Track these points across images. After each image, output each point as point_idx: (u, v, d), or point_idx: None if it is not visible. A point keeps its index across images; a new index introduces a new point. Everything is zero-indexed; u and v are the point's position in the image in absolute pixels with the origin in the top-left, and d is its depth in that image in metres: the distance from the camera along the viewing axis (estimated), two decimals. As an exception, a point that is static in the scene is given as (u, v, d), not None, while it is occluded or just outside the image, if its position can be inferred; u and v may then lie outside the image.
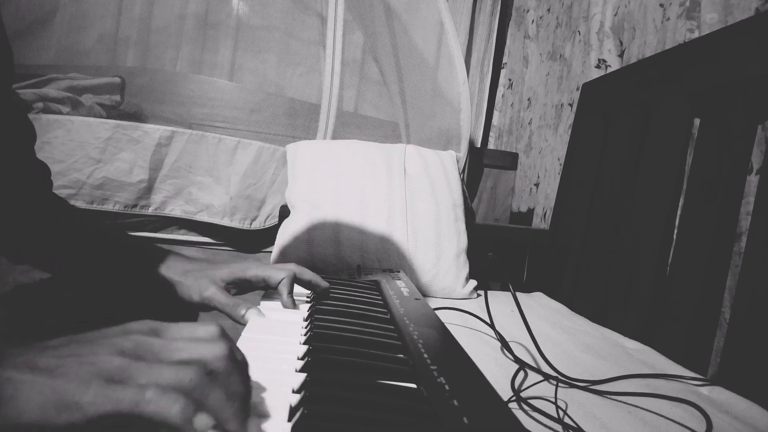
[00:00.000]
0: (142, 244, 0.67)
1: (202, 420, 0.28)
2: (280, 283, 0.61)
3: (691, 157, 0.88)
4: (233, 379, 0.32)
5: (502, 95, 1.89)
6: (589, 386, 0.63)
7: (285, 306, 0.60)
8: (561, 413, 0.55)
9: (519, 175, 1.65)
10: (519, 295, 0.87)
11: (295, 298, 0.61)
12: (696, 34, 0.94)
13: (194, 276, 0.61)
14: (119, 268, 0.64)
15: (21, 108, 0.62)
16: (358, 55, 1.63)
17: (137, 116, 1.37)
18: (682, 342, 0.79)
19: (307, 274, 0.63)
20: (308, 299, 0.64)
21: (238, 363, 0.33)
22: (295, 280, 0.62)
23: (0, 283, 0.69)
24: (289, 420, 0.32)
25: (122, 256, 0.64)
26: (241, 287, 0.63)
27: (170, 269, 0.62)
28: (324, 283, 0.64)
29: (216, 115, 1.44)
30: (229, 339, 0.34)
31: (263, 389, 0.36)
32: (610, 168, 1.09)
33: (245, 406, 0.32)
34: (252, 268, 0.62)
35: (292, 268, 0.62)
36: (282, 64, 1.54)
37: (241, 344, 0.44)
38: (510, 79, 1.87)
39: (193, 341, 0.33)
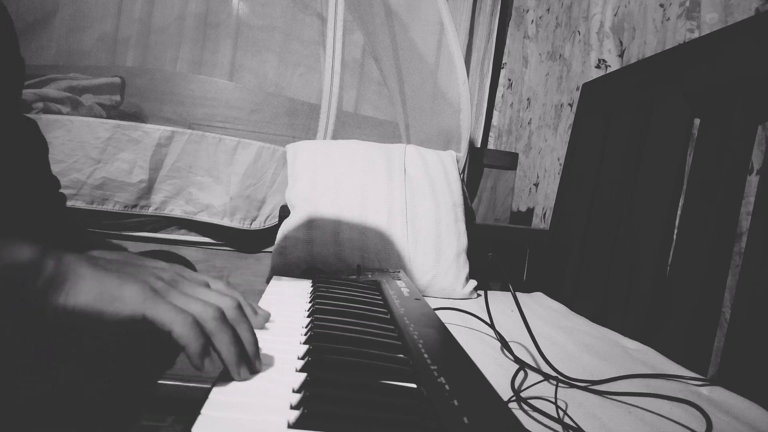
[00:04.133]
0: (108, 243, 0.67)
1: (209, 365, 0.34)
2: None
3: (691, 157, 0.88)
4: (241, 327, 0.38)
5: (502, 95, 1.89)
6: (589, 386, 0.63)
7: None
8: (561, 413, 0.55)
9: (519, 175, 1.65)
10: (519, 295, 0.87)
11: (294, 297, 0.61)
12: (696, 34, 0.94)
13: None
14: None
15: (32, 121, 0.62)
16: (358, 55, 1.63)
17: (137, 116, 1.37)
18: (682, 342, 0.79)
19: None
20: (309, 299, 0.64)
21: (243, 316, 0.39)
22: None
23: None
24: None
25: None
26: None
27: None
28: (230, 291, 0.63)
29: (216, 115, 1.44)
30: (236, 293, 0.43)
31: (263, 388, 0.36)
32: (610, 168, 1.09)
33: (253, 350, 0.38)
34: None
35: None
36: (282, 64, 1.53)
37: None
38: (510, 79, 1.87)
39: (213, 292, 0.39)
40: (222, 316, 0.36)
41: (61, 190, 0.69)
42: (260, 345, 0.42)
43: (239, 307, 0.39)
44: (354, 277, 0.81)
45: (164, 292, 0.35)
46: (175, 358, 0.43)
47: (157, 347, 0.39)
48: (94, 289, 0.32)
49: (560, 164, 1.38)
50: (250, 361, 0.38)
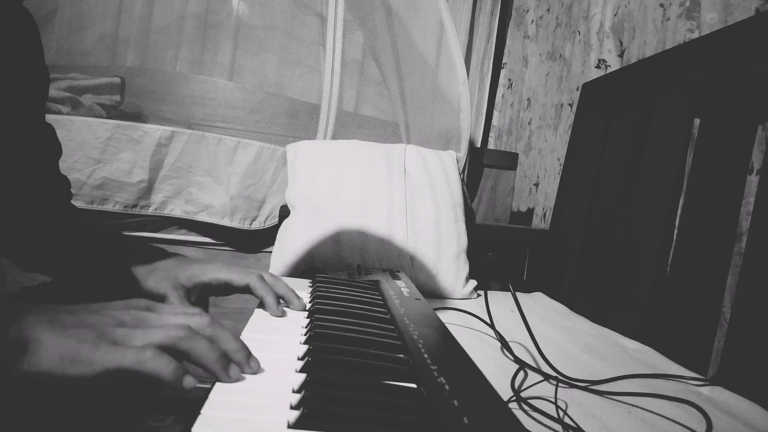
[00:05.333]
0: (125, 240, 0.67)
1: (190, 380, 0.34)
2: (250, 287, 0.57)
3: (691, 157, 0.88)
4: (221, 338, 0.39)
5: (502, 95, 1.89)
6: (589, 386, 0.63)
7: (274, 315, 0.55)
8: (561, 413, 0.55)
9: (519, 175, 1.65)
10: (519, 295, 0.87)
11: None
12: (696, 34, 0.94)
13: (155, 278, 0.59)
14: (101, 266, 0.63)
15: (50, 126, 0.64)
16: (358, 55, 1.63)
17: (137, 116, 1.37)
18: (682, 342, 0.79)
19: (281, 287, 0.58)
20: (308, 299, 0.64)
21: (222, 328, 0.40)
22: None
23: (0, 283, 0.70)
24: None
25: (104, 253, 0.64)
26: (203, 291, 0.61)
27: (138, 267, 0.60)
28: (296, 301, 0.58)
29: (216, 115, 1.44)
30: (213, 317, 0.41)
31: (263, 389, 0.36)
32: (610, 168, 1.09)
33: (240, 356, 0.38)
34: (211, 270, 0.59)
35: (263, 275, 0.59)
36: (282, 64, 1.53)
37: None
38: (510, 79, 1.87)
39: (180, 314, 0.40)
40: (191, 332, 0.37)
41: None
42: (259, 345, 0.42)
43: (213, 323, 0.39)
44: (354, 276, 0.81)
45: (125, 337, 0.35)
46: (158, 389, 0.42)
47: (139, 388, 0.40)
48: (55, 355, 0.32)
49: (560, 164, 1.38)
50: (241, 366, 0.38)
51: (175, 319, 0.39)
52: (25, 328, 0.33)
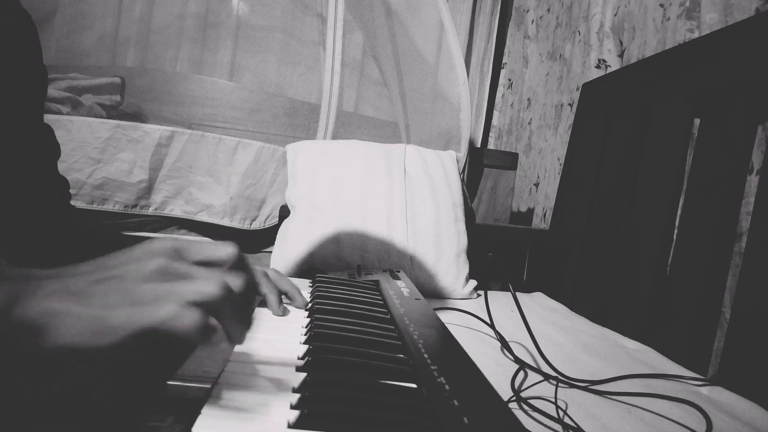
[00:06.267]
0: (125, 242, 0.66)
1: (218, 337, 0.33)
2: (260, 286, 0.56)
3: (691, 157, 0.88)
4: (244, 305, 0.36)
5: (502, 95, 1.89)
6: (589, 386, 0.63)
7: (275, 314, 0.55)
8: (561, 413, 0.55)
9: (519, 175, 1.65)
10: (519, 295, 0.87)
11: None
12: (696, 34, 0.94)
13: None
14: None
15: (48, 127, 0.64)
16: (358, 55, 1.63)
17: (137, 116, 1.37)
18: (682, 342, 0.79)
19: (285, 284, 0.58)
20: (308, 299, 0.64)
21: (252, 289, 0.37)
22: None
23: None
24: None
25: (104, 254, 0.64)
26: None
27: None
28: (299, 298, 0.58)
29: (216, 115, 1.44)
30: (247, 262, 0.38)
31: (263, 388, 0.36)
32: (610, 168, 1.09)
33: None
34: None
35: (268, 271, 0.59)
36: (282, 64, 1.54)
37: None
38: (510, 79, 1.87)
39: (215, 269, 0.35)
40: (224, 292, 0.34)
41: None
42: (259, 345, 0.42)
43: (249, 282, 0.36)
44: (354, 276, 0.81)
45: (150, 295, 0.33)
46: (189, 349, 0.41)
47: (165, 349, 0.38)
48: (73, 327, 0.31)
49: (560, 164, 1.38)
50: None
51: (209, 273, 0.35)
52: (39, 303, 0.31)
